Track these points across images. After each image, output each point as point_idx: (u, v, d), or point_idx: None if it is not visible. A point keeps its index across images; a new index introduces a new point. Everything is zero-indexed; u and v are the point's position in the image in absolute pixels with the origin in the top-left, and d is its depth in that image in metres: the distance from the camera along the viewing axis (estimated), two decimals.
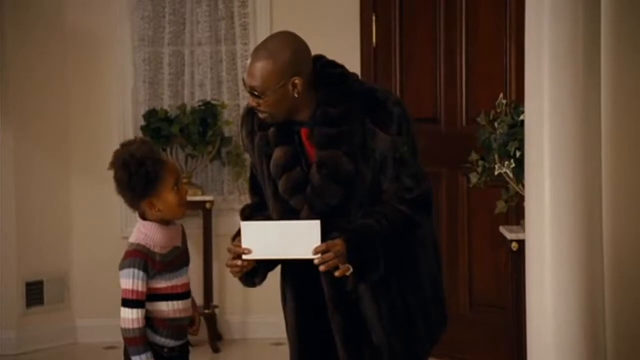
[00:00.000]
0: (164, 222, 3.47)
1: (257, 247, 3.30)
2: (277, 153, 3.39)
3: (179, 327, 3.49)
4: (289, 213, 3.37)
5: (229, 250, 3.37)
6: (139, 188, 3.40)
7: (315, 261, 3.23)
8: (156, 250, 3.43)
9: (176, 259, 3.49)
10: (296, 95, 3.30)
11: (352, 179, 3.32)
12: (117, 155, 3.45)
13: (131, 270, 3.39)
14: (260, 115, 3.36)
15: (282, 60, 3.27)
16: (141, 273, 3.38)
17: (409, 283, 3.43)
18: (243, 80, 3.36)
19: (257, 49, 3.33)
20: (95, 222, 6.52)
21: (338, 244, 3.23)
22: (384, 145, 3.30)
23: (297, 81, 3.28)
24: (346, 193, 3.33)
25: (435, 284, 3.51)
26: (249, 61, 3.34)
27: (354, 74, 3.43)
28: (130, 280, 3.39)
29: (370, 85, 3.49)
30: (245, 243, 3.31)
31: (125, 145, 3.47)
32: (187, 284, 3.51)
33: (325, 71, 3.37)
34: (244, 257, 3.32)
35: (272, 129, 3.40)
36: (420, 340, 3.46)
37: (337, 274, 3.25)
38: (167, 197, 3.43)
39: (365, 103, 3.34)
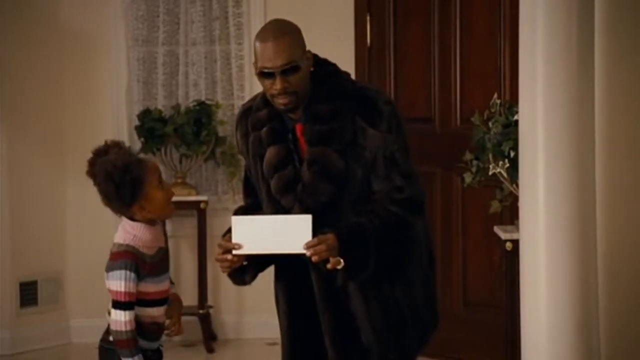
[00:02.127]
0: (150, 222, 3.42)
1: (247, 242, 3.29)
2: (270, 152, 3.39)
3: (160, 330, 3.47)
4: (281, 213, 3.36)
5: (219, 246, 3.36)
6: (128, 196, 3.34)
7: (307, 253, 3.22)
8: (145, 251, 3.38)
9: (161, 261, 3.44)
10: (312, 69, 3.35)
11: (343, 176, 3.32)
12: (97, 166, 3.36)
13: (123, 271, 3.33)
14: (284, 101, 3.31)
15: (296, 33, 3.33)
16: (133, 274, 3.33)
17: (401, 283, 3.43)
18: (261, 72, 3.30)
19: (268, 34, 3.31)
20: (89, 222, 6.51)
21: (330, 237, 3.23)
22: (373, 142, 3.31)
23: (309, 55, 3.35)
24: (337, 190, 3.33)
25: (427, 285, 3.51)
26: (263, 47, 3.29)
27: (346, 73, 3.44)
28: (123, 282, 3.33)
29: (361, 84, 3.52)
30: (235, 238, 3.29)
31: (100, 154, 3.38)
32: (168, 290, 3.48)
33: (317, 69, 3.38)
34: (234, 252, 3.30)
35: (264, 129, 3.40)
36: (410, 341, 3.46)
37: (328, 266, 3.25)
38: (155, 197, 3.37)
39: (356, 101, 3.35)
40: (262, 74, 3.31)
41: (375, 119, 3.32)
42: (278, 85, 3.28)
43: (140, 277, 3.35)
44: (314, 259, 3.22)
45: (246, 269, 3.42)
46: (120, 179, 3.31)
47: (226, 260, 3.34)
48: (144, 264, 3.37)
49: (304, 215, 3.25)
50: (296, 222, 3.25)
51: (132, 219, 3.41)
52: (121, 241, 3.40)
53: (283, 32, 3.31)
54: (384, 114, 3.33)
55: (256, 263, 3.42)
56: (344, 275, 3.30)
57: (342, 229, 3.27)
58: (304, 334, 3.48)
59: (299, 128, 3.38)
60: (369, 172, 3.34)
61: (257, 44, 3.32)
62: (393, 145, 3.33)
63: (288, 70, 3.27)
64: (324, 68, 3.40)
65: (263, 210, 3.47)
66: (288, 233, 3.24)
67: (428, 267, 3.52)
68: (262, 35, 3.33)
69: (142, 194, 3.35)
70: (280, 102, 3.31)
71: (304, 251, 3.23)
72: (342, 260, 3.25)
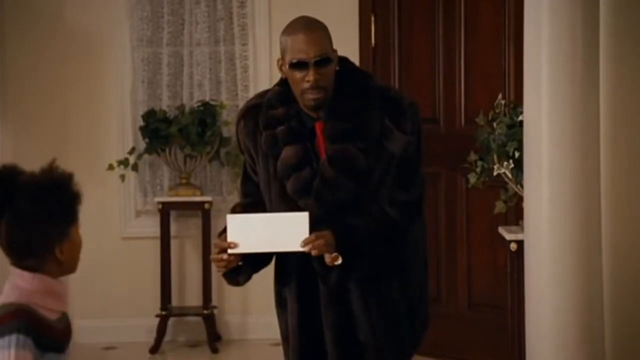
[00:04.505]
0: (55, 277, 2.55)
1: (243, 240, 3.23)
2: (287, 152, 3.33)
3: None
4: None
5: (215, 245, 3.31)
6: (61, 225, 2.53)
7: (306, 249, 3.19)
8: (45, 313, 2.47)
9: (66, 331, 2.54)
10: (337, 67, 3.33)
11: (365, 175, 3.30)
12: (18, 188, 2.53)
13: (13, 337, 2.36)
14: (315, 96, 3.26)
15: (326, 29, 3.33)
16: (28, 341, 2.37)
17: (398, 284, 3.43)
18: (292, 63, 3.25)
19: (300, 27, 3.28)
20: (94, 222, 6.50)
21: (327, 234, 3.22)
22: (397, 144, 3.29)
23: (335, 52, 3.34)
24: (357, 189, 3.31)
25: (422, 286, 3.51)
26: (294, 40, 3.26)
27: (367, 72, 3.45)
28: (12, 352, 2.35)
29: (382, 84, 3.50)
30: (231, 237, 3.24)
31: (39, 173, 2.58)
32: None
33: (339, 67, 3.36)
34: (229, 251, 3.25)
35: (281, 128, 3.34)
36: (405, 340, 3.46)
37: (327, 261, 3.23)
38: (77, 241, 2.59)
39: (381, 100, 3.33)
40: (294, 66, 3.26)
41: (400, 120, 3.31)
42: (311, 76, 3.25)
43: (42, 348, 2.41)
44: (313, 252, 3.20)
45: (241, 269, 3.37)
46: (54, 197, 2.53)
47: (222, 260, 3.29)
48: (49, 329, 2.44)
49: (301, 212, 3.21)
50: (293, 220, 3.21)
51: (33, 269, 2.50)
52: (12, 299, 2.45)
53: (315, 26, 3.30)
54: (407, 115, 3.32)
55: (251, 263, 3.38)
56: (338, 274, 3.29)
57: (337, 228, 3.26)
58: (311, 329, 3.47)
59: (319, 126, 3.34)
60: (384, 171, 3.33)
61: (287, 37, 3.29)
62: (412, 147, 3.32)
63: (321, 61, 3.25)
64: (345, 66, 3.38)
65: (268, 210, 3.44)
66: (285, 231, 3.20)
67: (423, 269, 3.52)
68: (291, 29, 3.31)
69: (70, 230, 2.57)
70: (311, 97, 3.27)
71: (300, 249, 3.20)
72: (340, 257, 3.23)
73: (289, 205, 3.34)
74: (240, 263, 3.33)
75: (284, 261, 3.42)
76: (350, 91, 3.33)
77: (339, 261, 3.24)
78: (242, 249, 3.25)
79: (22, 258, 2.48)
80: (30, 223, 2.46)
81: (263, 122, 3.38)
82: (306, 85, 3.26)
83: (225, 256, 3.28)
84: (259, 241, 3.24)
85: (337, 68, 3.33)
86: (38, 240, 2.47)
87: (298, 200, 3.32)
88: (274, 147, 3.35)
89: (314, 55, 3.24)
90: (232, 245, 3.25)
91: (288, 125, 3.34)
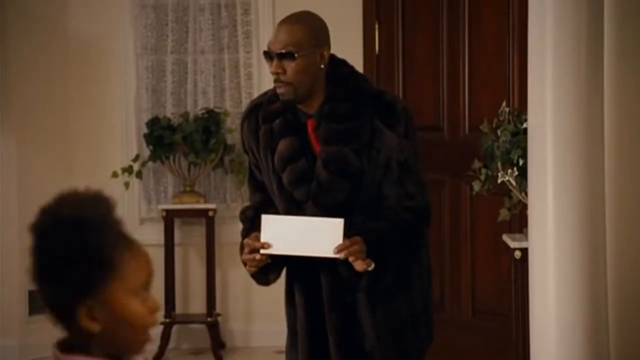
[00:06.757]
0: (114, 356, 1.95)
1: (276, 242, 3.25)
2: (282, 144, 3.37)
3: None
4: (293, 206, 3.35)
5: (247, 245, 3.31)
6: (85, 276, 1.89)
7: (341, 255, 3.20)
8: None
9: None
10: (322, 66, 3.33)
11: (359, 176, 3.32)
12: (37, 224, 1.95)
13: None
14: (280, 90, 3.31)
15: (315, 25, 3.34)
16: None
17: (403, 292, 3.43)
18: (266, 52, 3.33)
19: (287, 18, 3.36)
20: None
21: (359, 240, 3.23)
22: (390, 144, 3.31)
23: (325, 53, 3.34)
24: (352, 190, 3.32)
25: (426, 297, 3.51)
26: (275, 29, 3.35)
27: (363, 75, 3.47)
28: None
29: (378, 88, 3.53)
30: (264, 237, 3.26)
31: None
32: None
33: (335, 68, 3.39)
34: (262, 251, 3.26)
35: (277, 121, 3.38)
36: (409, 351, 3.46)
37: (361, 268, 3.23)
38: (127, 304, 1.91)
39: (374, 103, 3.35)
40: (264, 54, 3.35)
41: (392, 122, 3.33)
42: (273, 68, 3.30)
43: None
44: (350, 259, 3.21)
45: (270, 267, 3.38)
46: (75, 246, 1.92)
47: (254, 259, 3.29)
48: None
49: (336, 219, 3.22)
50: (327, 226, 3.22)
51: (69, 347, 1.97)
52: None
53: (299, 20, 3.34)
54: (401, 118, 3.34)
55: (281, 261, 3.38)
56: (367, 281, 3.29)
57: (366, 233, 3.27)
58: (318, 327, 3.46)
59: (310, 124, 3.37)
60: (381, 176, 3.34)
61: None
62: (408, 150, 3.33)
63: (283, 55, 3.28)
64: (342, 68, 3.41)
65: (275, 206, 3.44)
66: (318, 236, 3.21)
67: (427, 280, 3.52)
68: (284, 19, 3.38)
69: (102, 285, 1.89)
70: (278, 90, 3.33)
71: (333, 255, 3.21)
72: (372, 263, 3.24)
73: (286, 196, 3.37)
74: (269, 261, 3.34)
75: (291, 260, 3.40)
76: (343, 93, 3.35)
77: (372, 267, 3.25)
78: (275, 250, 3.27)
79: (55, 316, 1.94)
80: (55, 269, 1.94)
81: (262, 117, 3.42)
82: (273, 75, 3.32)
83: (258, 256, 3.28)
84: (292, 244, 3.25)
85: (326, 68, 3.34)
86: (58, 294, 1.93)
87: (293, 190, 3.34)
88: (271, 140, 3.39)
89: (278, 47, 3.28)
90: (265, 245, 3.26)
91: (284, 119, 3.38)
